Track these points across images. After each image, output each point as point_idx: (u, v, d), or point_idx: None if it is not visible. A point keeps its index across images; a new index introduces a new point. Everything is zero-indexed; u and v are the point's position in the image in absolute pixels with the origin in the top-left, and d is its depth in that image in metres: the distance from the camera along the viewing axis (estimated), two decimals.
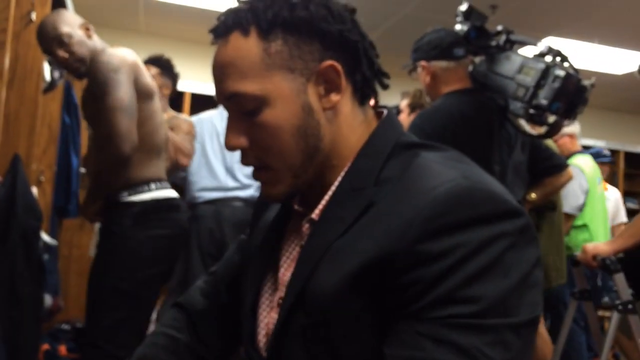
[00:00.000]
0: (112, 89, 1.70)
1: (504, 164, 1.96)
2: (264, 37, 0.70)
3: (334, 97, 0.72)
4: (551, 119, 1.82)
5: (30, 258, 1.95)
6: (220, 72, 0.72)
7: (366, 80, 0.75)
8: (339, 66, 0.72)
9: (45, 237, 2.30)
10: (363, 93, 0.76)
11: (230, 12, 0.73)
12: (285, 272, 0.77)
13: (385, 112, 0.78)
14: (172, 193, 1.88)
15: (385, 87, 0.79)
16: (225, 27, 0.72)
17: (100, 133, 1.75)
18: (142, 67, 1.85)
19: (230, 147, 0.73)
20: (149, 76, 1.89)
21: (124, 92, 1.71)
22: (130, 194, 1.79)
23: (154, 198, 1.80)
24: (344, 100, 0.74)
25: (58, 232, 3.13)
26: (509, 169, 1.98)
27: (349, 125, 0.74)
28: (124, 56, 1.78)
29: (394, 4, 4.30)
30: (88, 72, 1.80)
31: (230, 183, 2.85)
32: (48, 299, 2.28)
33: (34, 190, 2.21)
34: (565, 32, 4.59)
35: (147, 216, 1.79)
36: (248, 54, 0.70)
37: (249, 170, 2.86)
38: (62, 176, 2.99)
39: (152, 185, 1.81)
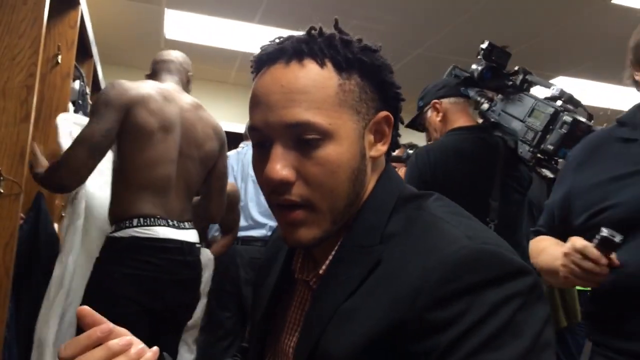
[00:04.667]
0: (89, 121, 1.75)
1: (507, 202, 1.95)
2: (340, 73, 0.69)
3: (381, 147, 0.73)
4: (562, 163, 1.78)
5: None
6: (285, 98, 0.67)
7: (397, 136, 0.77)
8: (392, 118, 0.73)
9: None
10: (392, 148, 0.77)
11: (299, 40, 0.70)
12: (289, 338, 0.75)
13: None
14: (157, 232, 1.79)
15: (398, 147, 0.79)
16: (297, 52, 0.69)
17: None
18: (150, 102, 1.82)
19: (277, 179, 0.67)
20: (161, 110, 1.84)
21: (95, 128, 1.73)
22: (115, 230, 1.79)
23: (133, 235, 1.76)
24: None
25: None
26: (514, 207, 1.98)
27: (375, 177, 0.75)
28: (123, 89, 1.79)
29: (406, 45, 4.40)
30: None
31: (246, 222, 2.93)
32: None
33: (56, 226, 2.26)
34: (574, 72, 4.65)
35: (124, 254, 1.75)
36: (325, 85, 0.68)
37: (263, 209, 2.82)
38: None
39: (135, 221, 1.77)
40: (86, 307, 0.63)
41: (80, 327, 0.63)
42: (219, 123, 2.09)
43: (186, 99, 1.99)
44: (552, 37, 4.05)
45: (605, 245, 1.11)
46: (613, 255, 1.13)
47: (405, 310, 0.59)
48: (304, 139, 0.67)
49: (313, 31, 0.71)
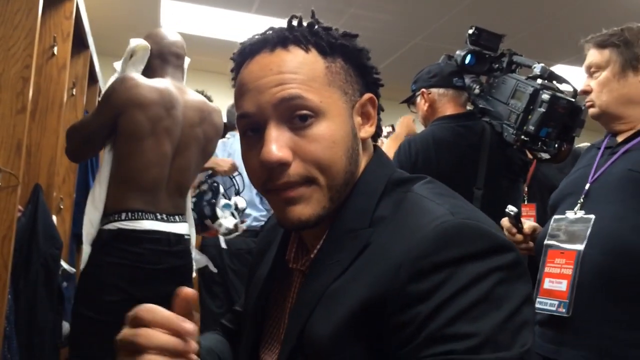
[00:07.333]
0: (94, 110, 1.90)
1: (494, 189, 1.93)
2: (325, 57, 0.71)
3: (369, 128, 0.75)
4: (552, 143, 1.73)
5: (51, 286, 1.99)
6: (276, 79, 0.68)
7: (380, 120, 0.78)
8: (376, 100, 0.75)
9: (64, 264, 2.35)
10: (377, 133, 0.78)
11: (281, 30, 0.72)
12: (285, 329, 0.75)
13: (374, 149, 0.79)
14: (142, 225, 1.83)
15: (381, 131, 0.80)
16: (281, 39, 0.70)
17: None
18: (150, 108, 1.81)
19: (274, 159, 0.66)
20: (160, 118, 1.84)
21: (93, 120, 1.87)
22: (103, 223, 1.83)
23: (120, 227, 1.80)
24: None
25: (76, 259, 3.18)
26: (501, 194, 1.96)
27: (365, 161, 0.75)
28: (129, 87, 1.80)
29: (403, 35, 4.38)
30: None
31: None
32: (66, 326, 2.31)
33: (54, 218, 2.26)
34: (572, 60, 4.64)
35: (110, 244, 1.80)
36: (313, 66, 0.70)
37: (248, 201, 2.85)
38: (81, 203, 3.04)
39: (123, 215, 1.81)
40: (192, 291, 0.59)
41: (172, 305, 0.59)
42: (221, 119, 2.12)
43: (191, 101, 1.97)
44: (551, 25, 4.03)
45: (510, 218, 1.49)
46: (526, 226, 1.49)
47: (387, 284, 0.60)
48: (297, 118, 0.67)
49: (294, 20, 0.73)
